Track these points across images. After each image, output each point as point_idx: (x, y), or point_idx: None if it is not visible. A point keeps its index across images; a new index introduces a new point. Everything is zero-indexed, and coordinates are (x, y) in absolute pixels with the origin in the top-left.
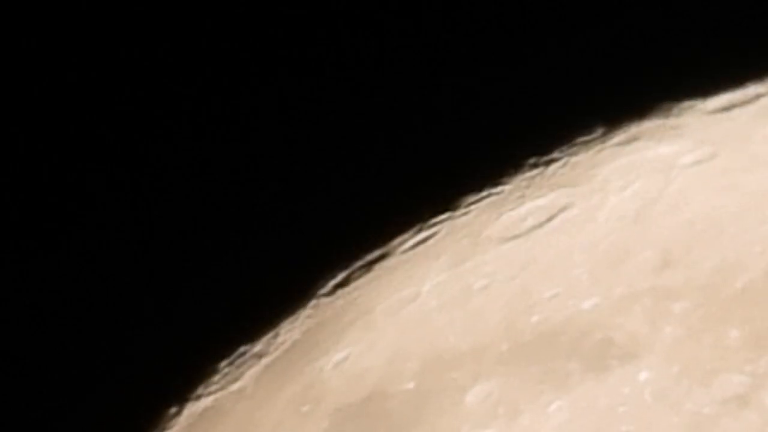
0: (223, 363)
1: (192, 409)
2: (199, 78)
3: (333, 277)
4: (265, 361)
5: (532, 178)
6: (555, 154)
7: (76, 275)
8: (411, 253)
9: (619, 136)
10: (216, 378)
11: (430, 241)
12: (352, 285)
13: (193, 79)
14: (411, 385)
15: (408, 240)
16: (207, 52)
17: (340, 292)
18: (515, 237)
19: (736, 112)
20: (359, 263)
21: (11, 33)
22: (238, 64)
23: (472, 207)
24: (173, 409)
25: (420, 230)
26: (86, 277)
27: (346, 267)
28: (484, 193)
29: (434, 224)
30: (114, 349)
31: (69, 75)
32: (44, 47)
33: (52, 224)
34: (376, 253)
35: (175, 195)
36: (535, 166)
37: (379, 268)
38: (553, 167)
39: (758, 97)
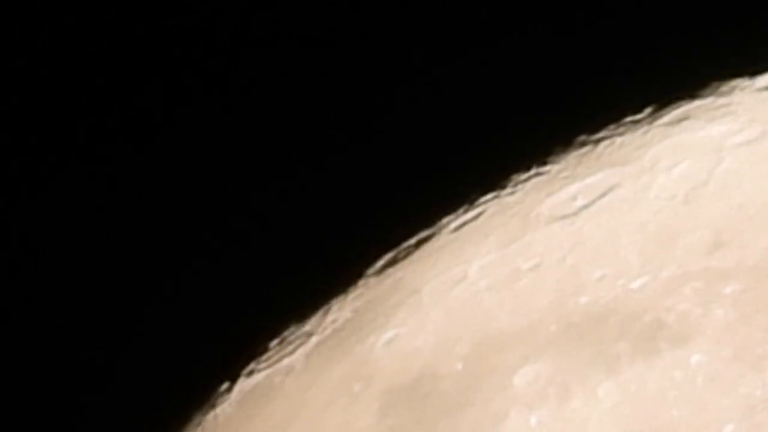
0: (274, 341)
1: (243, 385)
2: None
3: (381, 256)
4: (315, 339)
5: (580, 157)
6: (603, 134)
7: (131, 252)
8: (459, 232)
9: (668, 116)
10: (266, 356)
11: (478, 221)
12: (400, 264)
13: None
14: (460, 367)
15: (456, 219)
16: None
17: (388, 271)
18: (564, 217)
19: None
20: (407, 242)
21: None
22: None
23: (520, 186)
24: (224, 386)
25: (468, 209)
26: (138, 254)
27: (394, 246)
28: (532, 172)
29: (482, 203)
30: (165, 327)
31: (70, 72)
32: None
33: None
34: (424, 232)
35: (222, 174)
36: (583, 145)
37: (426, 248)
38: (601, 147)
39: None
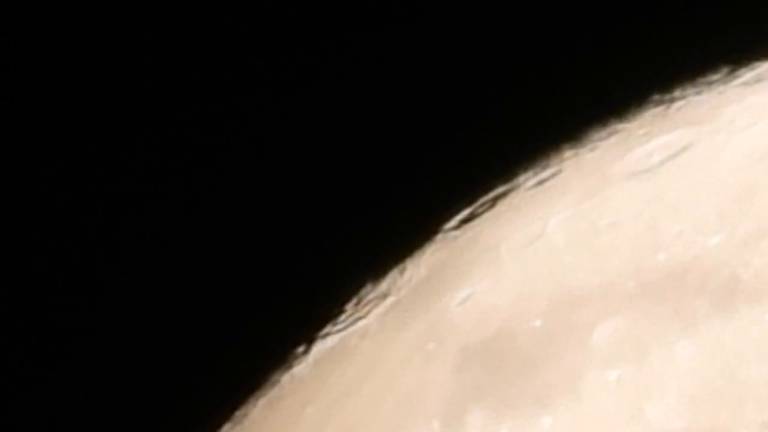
0: (350, 302)
1: (319, 347)
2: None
3: (458, 212)
4: (390, 300)
5: (656, 116)
6: (679, 92)
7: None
8: (536, 189)
9: (745, 76)
10: (342, 317)
11: (556, 177)
12: (477, 220)
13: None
14: (538, 324)
15: (533, 176)
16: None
17: (465, 227)
18: (641, 173)
19: None
20: (484, 198)
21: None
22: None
23: (598, 143)
24: (300, 348)
25: (545, 165)
26: (225, 223)
27: (471, 202)
28: (609, 129)
29: (559, 160)
30: (243, 291)
31: (70, 72)
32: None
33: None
34: (501, 188)
35: (308, 149)
36: (659, 104)
37: (504, 204)
38: (677, 105)
39: None
